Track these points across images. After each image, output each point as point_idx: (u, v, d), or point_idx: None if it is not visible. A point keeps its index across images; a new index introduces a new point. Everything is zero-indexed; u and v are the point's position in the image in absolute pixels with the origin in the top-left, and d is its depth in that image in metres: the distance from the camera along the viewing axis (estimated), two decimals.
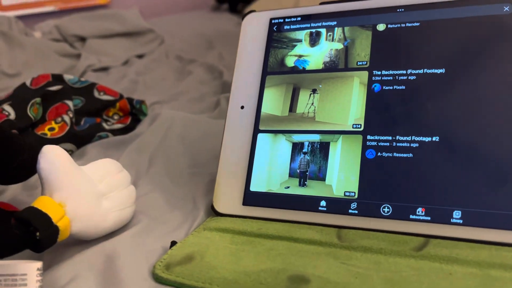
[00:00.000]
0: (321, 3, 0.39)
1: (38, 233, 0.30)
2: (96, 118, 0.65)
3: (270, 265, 0.29)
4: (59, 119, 0.59)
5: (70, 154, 0.56)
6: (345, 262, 0.29)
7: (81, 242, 0.34)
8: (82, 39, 1.19)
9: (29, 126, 0.57)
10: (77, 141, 0.59)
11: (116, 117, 0.67)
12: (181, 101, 0.79)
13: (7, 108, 0.56)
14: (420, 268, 0.28)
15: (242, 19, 0.42)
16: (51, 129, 0.58)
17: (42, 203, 0.31)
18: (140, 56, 1.19)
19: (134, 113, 0.67)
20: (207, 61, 1.05)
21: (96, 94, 0.67)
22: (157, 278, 0.30)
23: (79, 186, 0.33)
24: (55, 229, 0.31)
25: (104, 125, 0.64)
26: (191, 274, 0.30)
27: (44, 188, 0.32)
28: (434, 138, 0.32)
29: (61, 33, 1.19)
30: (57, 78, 0.66)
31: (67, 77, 0.67)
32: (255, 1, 1.57)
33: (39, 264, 0.28)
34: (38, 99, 0.59)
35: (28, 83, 0.64)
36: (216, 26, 1.51)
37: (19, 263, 0.28)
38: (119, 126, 0.64)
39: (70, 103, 0.61)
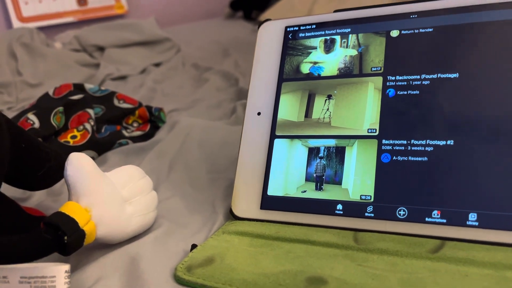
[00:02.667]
0: (335, 11, 0.40)
1: (66, 237, 0.31)
2: (116, 126, 0.67)
3: (289, 267, 0.30)
4: (81, 127, 0.61)
5: None
6: (361, 264, 0.30)
7: (105, 246, 0.35)
8: (101, 49, 1.22)
9: (52, 134, 0.59)
10: (99, 148, 0.60)
11: (135, 124, 0.69)
12: (198, 108, 0.80)
13: (32, 117, 0.58)
14: (436, 269, 0.28)
15: (258, 27, 0.43)
16: (74, 137, 0.60)
17: (69, 208, 0.33)
18: (157, 65, 1.21)
19: (153, 121, 0.69)
20: (223, 69, 1.06)
21: (116, 102, 0.69)
22: (178, 280, 0.31)
23: (104, 192, 0.34)
24: (81, 233, 0.32)
25: (124, 132, 0.65)
26: (212, 276, 0.31)
27: (71, 194, 0.34)
28: (448, 142, 0.33)
29: (81, 43, 1.22)
30: (79, 87, 0.68)
31: (88, 86, 0.69)
32: (269, 8, 1.59)
33: (67, 267, 0.29)
34: (61, 108, 0.61)
35: (51, 92, 0.66)
36: (231, 33, 1.53)
37: (48, 265, 0.29)
38: (138, 133, 0.66)
39: (91, 111, 0.63)
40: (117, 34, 1.24)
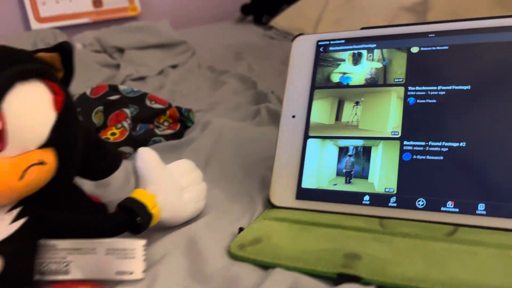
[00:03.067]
0: (362, 28, 0.46)
1: (138, 219, 0.37)
2: (149, 125, 0.72)
3: (327, 246, 0.36)
4: (119, 125, 0.66)
5: (128, 157, 0.64)
6: (388, 245, 0.36)
7: (165, 228, 0.41)
8: (121, 50, 1.27)
9: (94, 131, 0.65)
10: (135, 144, 0.66)
11: (166, 123, 0.74)
12: (218, 110, 0.85)
13: None
14: (451, 249, 0.34)
15: (292, 41, 0.49)
16: (113, 134, 0.66)
17: (139, 195, 0.38)
18: (173, 67, 1.26)
19: (183, 120, 0.74)
20: (238, 72, 1.11)
21: (148, 103, 0.74)
22: (232, 256, 0.37)
23: (166, 182, 0.40)
24: (150, 216, 0.38)
25: (156, 130, 0.71)
26: (261, 252, 0.36)
27: (139, 182, 0.40)
28: (461, 144, 0.39)
29: (101, 44, 1.28)
30: (113, 88, 0.74)
31: (122, 87, 0.75)
32: (279, 13, 1.64)
33: (144, 242, 0.35)
34: (101, 107, 0.67)
35: (88, 92, 0.72)
36: (242, 37, 1.58)
37: (129, 240, 0.35)
38: (169, 131, 0.72)
39: (127, 110, 0.69)
40: (136, 36, 1.30)
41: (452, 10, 1.03)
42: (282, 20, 1.55)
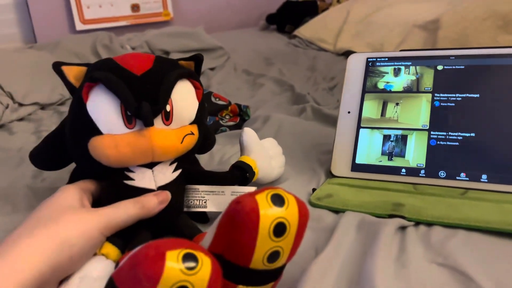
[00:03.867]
0: (401, 50, 0.63)
1: (247, 174, 0.54)
2: (215, 117, 0.89)
3: (379, 199, 0.53)
4: None
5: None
6: (421, 199, 0.53)
7: (259, 185, 0.58)
8: (167, 53, 1.44)
9: None
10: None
11: (227, 117, 0.92)
12: (265, 108, 1.02)
13: None
14: (463, 202, 0.51)
15: (347, 57, 0.66)
16: None
17: (246, 159, 0.55)
18: (211, 69, 1.43)
19: (241, 115, 0.91)
20: (273, 76, 1.27)
21: (213, 99, 0.91)
22: (313, 205, 0.54)
23: (261, 152, 0.57)
24: (254, 173, 0.55)
25: (221, 122, 0.88)
26: (334, 202, 0.53)
27: (244, 151, 0.56)
28: (471, 134, 0.56)
29: (150, 47, 1.44)
30: None
31: None
32: (302, 24, 1.81)
33: (255, 188, 0.52)
34: None
35: None
36: (269, 44, 1.74)
37: (245, 187, 0.52)
38: (231, 123, 0.89)
39: None
40: (180, 41, 1.47)
41: (460, 29, 1.20)
42: (306, 30, 1.72)
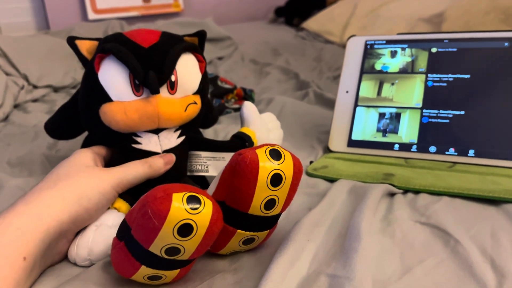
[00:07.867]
0: (398, 34, 0.67)
1: (247, 143, 0.57)
2: (221, 100, 0.93)
3: (372, 170, 0.57)
4: None
5: None
6: (411, 171, 0.56)
7: None
8: None
9: None
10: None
11: (233, 100, 0.95)
12: (270, 93, 1.06)
13: None
14: (450, 174, 0.54)
15: (347, 40, 0.69)
16: None
17: (246, 130, 0.59)
18: (219, 58, 1.46)
19: (246, 98, 0.95)
20: (279, 65, 1.31)
21: (219, 83, 0.95)
22: (310, 174, 0.58)
23: (260, 124, 0.61)
24: (253, 144, 0.58)
25: (227, 104, 0.92)
26: (329, 172, 0.57)
27: (244, 123, 0.60)
28: (461, 112, 0.59)
29: None
30: None
31: None
32: (310, 17, 1.85)
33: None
34: None
35: None
36: (276, 36, 1.77)
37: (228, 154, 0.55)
38: (236, 106, 0.92)
39: None
40: (189, 30, 1.49)
41: (464, 22, 1.23)
42: (314, 23, 1.75)
